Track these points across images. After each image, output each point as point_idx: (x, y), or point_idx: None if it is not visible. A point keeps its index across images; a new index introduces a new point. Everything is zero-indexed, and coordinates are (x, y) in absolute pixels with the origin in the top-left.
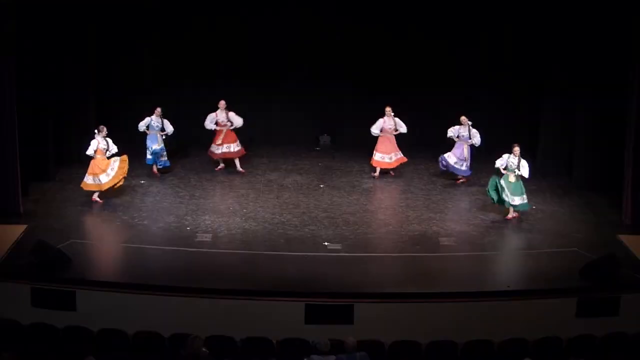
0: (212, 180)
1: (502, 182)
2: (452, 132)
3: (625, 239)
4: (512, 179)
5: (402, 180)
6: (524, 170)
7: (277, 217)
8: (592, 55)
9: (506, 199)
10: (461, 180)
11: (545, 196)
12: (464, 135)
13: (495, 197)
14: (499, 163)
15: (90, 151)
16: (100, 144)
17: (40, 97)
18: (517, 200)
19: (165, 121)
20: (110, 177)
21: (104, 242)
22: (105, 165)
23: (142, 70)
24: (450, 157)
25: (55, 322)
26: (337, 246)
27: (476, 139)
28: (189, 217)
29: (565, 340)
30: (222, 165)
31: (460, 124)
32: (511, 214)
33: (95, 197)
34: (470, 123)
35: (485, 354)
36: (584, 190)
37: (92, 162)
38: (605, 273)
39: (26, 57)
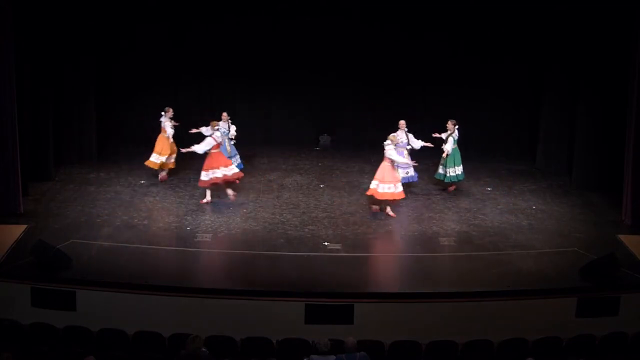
0: None
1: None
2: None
3: (625, 239)
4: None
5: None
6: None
7: (277, 217)
8: (592, 55)
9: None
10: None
11: (545, 196)
12: (403, 141)
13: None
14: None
15: (171, 131)
16: (170, 124)
17: (40, 97)
18: (450, 171)
19: (231, 125)
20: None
21: (104, 242)
22: (173, 147)
23: (142, 70)
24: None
25: (55, 322)
26: (337, 246)
27: (417, 144)
28: (189, 217)
29: (565, 340)
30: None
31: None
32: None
33: (164, 175)
34: (406, 129)
35: (485, 354)
36: (584, 190)
37: (165, 141)
38: (605, 273)
39: (26, 58)
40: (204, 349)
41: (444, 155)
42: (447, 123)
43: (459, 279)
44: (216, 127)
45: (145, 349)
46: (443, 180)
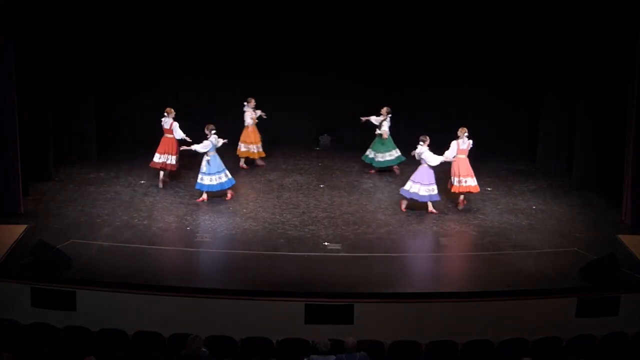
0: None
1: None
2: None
3: (625, 239)
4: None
5: (402, 181)
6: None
7: (277, 217)
8: (592, 54)
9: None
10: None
11: (545, 196)
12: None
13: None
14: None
15: (249, 121)
16: (250, 114)
17: (40, 97)
18: (379, 156)
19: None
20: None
21: (104, 242)
22: (256, 135)
23: (142, 70)
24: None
25: (55, 322)
26: (337, 246)
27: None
28: (189, 217)
29: (565, 340)
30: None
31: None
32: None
33: (242, 164)
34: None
35: (485, 354)
36: (584, 190)
37: (245, 130)
38: (605, 273)
39: (26, 58)
40: (204, 349)
41: (384, 136)
42: (381, 109)
43: (459, 279)
44: (165, 114)
45: (145, 349)
46: (371, 164)
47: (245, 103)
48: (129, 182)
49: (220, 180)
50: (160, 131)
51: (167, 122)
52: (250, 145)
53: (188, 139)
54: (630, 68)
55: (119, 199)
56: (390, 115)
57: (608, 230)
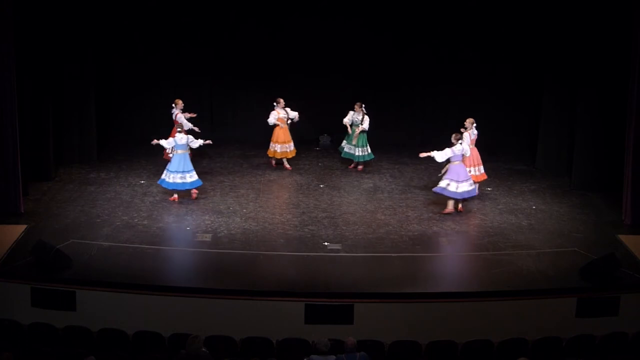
0: (212, 180)
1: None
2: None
3: (625, 239)
4: (356, 133)
5: (402, 180)
6: (365, 124)
7: (277, 217)
8: (592, 54)
9: (349, 151)
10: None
11: (545, 196)
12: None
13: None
14: (346, 120)
15: (272, 120)
16: (280, 114)
17: (40, 97)
18: (359, 151)
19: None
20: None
21: (104, 242)
22: (285, 135)
23: (142, 70)
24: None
25: (55, 322)
26: (337, 246)
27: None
28: (189, 217)
29: (565, 340)
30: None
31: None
32: (357, 166)
33: (285, 164)
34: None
35: (485, 354)
36: (584, 190)
37: (274, 130)
38: (605, 273)
39: (26, 58)
40: (204, 349)
41: (357, 133)
42: (355, 105)
43: (459, 279)
44: (173, 105)
45: (145, 349)
46: (350, 159)
47: (274, 103)
48: (129, 182)
49: (175, 180)
50: (165, 124)
51: (174, 113)
52: (275, 144)
53: (196, 129)
54: (631, 68)
55: (119, 199)
56: (364, 106)
57: (608, 230)
